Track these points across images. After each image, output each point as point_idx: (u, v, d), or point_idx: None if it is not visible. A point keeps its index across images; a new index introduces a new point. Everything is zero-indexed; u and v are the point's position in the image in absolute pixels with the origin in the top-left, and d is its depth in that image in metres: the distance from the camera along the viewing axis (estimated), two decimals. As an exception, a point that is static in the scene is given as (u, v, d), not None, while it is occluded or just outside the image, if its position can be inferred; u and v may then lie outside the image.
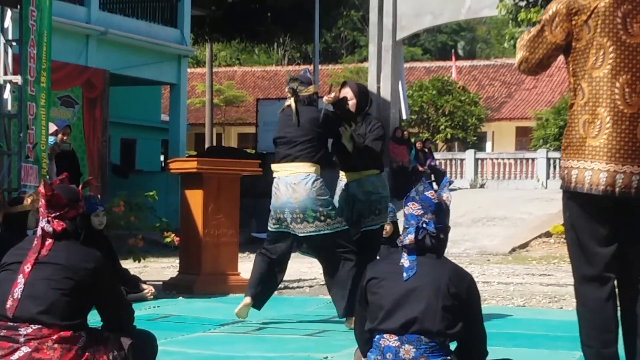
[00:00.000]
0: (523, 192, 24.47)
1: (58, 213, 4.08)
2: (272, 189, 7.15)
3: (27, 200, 7.16)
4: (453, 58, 34.78)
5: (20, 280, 3.96)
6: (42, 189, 4.09)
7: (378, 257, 8.71)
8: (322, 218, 6.97)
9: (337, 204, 7.26)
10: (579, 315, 4.17)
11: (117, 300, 4.19)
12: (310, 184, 6.99)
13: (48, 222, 4.06)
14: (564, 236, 16.06)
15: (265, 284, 7.27)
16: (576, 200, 4.15)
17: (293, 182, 7.04)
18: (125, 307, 4.24)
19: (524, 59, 4.21)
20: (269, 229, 7.31)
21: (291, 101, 7.15)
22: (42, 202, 4.09)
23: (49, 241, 4.05)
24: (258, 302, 7.30)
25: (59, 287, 3.94)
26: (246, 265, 10.94)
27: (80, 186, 4.32)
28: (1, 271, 4.08)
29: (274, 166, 7.20)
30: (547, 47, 4.16)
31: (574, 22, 4.11)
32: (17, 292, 3.94)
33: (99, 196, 8.90)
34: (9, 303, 3.93)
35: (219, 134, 42.19)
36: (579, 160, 4.12)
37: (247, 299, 7.20)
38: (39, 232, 4.07)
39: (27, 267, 3.99)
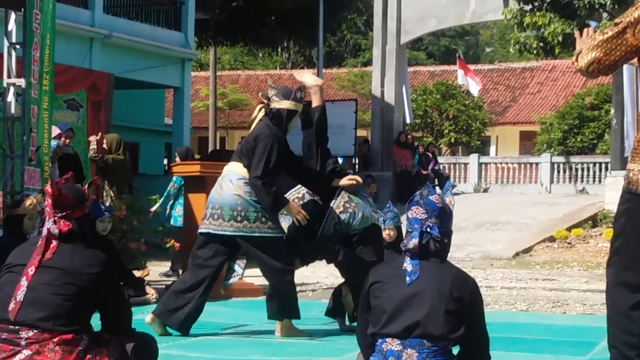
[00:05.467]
0: (527, 196, 24.43)
1: (64, 213, 4.05)
2: None
3: (25, 204, 7.12)
4: (458, 62, 34.62)
5: (24, 283, 3.94)
6: (48, 188, 4.07)
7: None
8: (239, 219, 6.83)
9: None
10: (608, 318, 4.20)
11: (119, 303, 4.17)
12: (235, 181, 6.90)
13: (54, 222, 4.02)
14: (567, 241, 16.00)
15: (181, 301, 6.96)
16: (634, 202, 4.12)
17: (222, 178, 7.02)
18: (126, 311, 4.22)
19: (595, 60, 4.09)
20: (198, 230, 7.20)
21: (257, 109, 7.07)
22: (48, 202, 4.06)
23: (53, 243, 4.01)
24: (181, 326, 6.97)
25: (61, 293, 3.91)
26: (249, 269, 10.89)
27: (85, 186, 4.28)
28: (5, 272, 4.06)
29: None
30: (626, 50, 4.06)
31: None
32: (20, 295, 3.92)
33: (108, 202, 8.89)
34: (11, 306, 3.91)
35: (223, 137, 42.18)
36: (634, 162, 4.09)
37: (151, 316, 7.01)
38: (44, 232, 4.04)
39: (31, 270, 3.96)
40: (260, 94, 7.16)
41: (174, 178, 11.91)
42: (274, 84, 7.15)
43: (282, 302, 6.99)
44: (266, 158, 6.82)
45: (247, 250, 7.08)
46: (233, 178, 6.94)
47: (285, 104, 6.98)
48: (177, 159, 12.28)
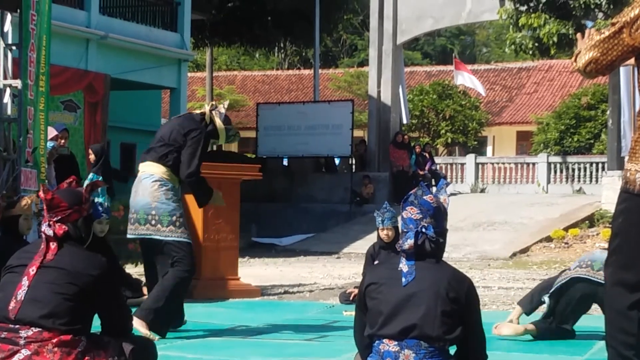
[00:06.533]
0: (524, 196, 24.45)
1: (59, 217, 4.06)
2: None
3: (20, 204, 7.11)
4: (455, 62, 34.40)
5: (25, 282, 3.97)
6: (42, 193, 4.09)
7: (377, 262, 8.70)
8: (153, 222, 6.76)
9: None
10: (606, 318, 4.21)
11: (118, 306, 4.17)
12: (150, 183, 6.79)
13: (49, 225, 4.05)
14: (564, 241, 15.94)
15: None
16: (631, 202, 4.12)
17: (138, 180, 6.91)
18: (126, 313, 4.23)
19: (593, 60, 4.10)
20: None
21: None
22: (44, 206, 4.09)
23: (53, 245, 4.05)
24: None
25: (62, 292, 3.93)
26: (246, 270, 10.93)
27: (86, 189, 4.28)
28: (6, 273, 4.09)
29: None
30: (622, 50, 4.06)
31: None
32: (21, 294, 3.94)
33: (107, 204, 8.86)
34: (12, 305, 3.93)
35: (219, 138, 42.13)
36: (632, 162, 4.10)
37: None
38: (43, 235, 4.07)
39: (32, 270, 3.99)
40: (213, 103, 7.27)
41: (90, 176, 11.79)
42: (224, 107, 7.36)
43: (163, 309, 6.65)
44: (200, 155, 6.98)
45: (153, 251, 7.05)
46: (147, 181, 6.82)
47: (220, 128, 7.27)
48: (92, 157, 11.87)
